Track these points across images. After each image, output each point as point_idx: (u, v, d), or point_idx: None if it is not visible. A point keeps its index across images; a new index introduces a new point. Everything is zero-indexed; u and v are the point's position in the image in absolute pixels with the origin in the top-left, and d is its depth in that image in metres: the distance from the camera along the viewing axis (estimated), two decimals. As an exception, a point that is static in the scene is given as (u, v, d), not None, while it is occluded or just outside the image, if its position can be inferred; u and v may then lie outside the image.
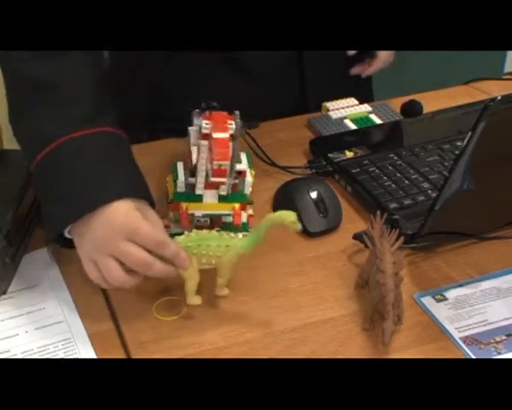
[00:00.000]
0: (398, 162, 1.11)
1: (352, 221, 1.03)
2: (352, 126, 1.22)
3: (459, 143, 1.13)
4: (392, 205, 1.03)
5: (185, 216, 0.94)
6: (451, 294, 0.92)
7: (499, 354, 0.85)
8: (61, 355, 0.85)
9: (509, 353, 0.85)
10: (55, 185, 0.87)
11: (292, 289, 0.93)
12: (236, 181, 0.97)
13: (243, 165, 0.99)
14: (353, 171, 1.10)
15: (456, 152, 1.08)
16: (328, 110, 1.25)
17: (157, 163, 1.08)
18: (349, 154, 1.14)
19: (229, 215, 0.96)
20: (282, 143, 1.19)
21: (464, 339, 0.86)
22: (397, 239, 0.89)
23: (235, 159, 0.94)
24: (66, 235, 0.88)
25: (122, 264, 0.84)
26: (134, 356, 0.84)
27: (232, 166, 0.93)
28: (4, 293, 0.92)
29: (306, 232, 1.00)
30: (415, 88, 1.33)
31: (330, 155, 1.13)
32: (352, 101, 1.27)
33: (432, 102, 1.27)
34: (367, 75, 1.32)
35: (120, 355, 0.85)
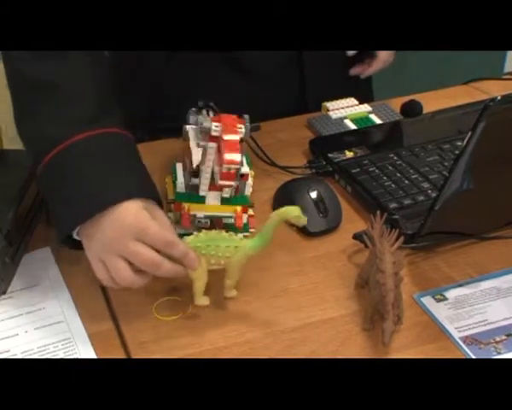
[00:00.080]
0: (398, 162, 1.11)
1: (352, 221, 1.04)
2: (352, 126, 1.22)
3: (459, 143, 1.13)
4: (392, 205, 1.03)
5: (187, 217, 0.94)
6: (451, 294, 0.92)
7: (499, 354, 0.85)
8: (60, 355, 0.85)
9: (508, 353, 0.85)
10: (63, 187, 0.87)
11: (292, 289, 0.93)
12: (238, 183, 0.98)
13: (246, 168, 0.98)
14: (353, 171, 1.10)
15: (456, 152, 1.08)
16: (328, 110, 1.25)
17: (157, 163, 1.08)
18: (349, 154, 1.14)
19: (230, 217, 0.96)
20: (282, 143, 1.19)
21: (464, 339, 0.86)
22: (397, 239, 0.89)
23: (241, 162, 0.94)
24: (75, 236, 0.88)
25: (131, 264, 0.84)
26: (134, 356, 0.84)
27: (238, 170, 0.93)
28: (4, 293, 0.92)
29: (306, 232, 1.00)
30: (415, 88, 1.33)
31: (330, 155, 1.13)
32: (352, 101, 1.27)
33: (432, 102, 1.27)
34: (367, 76, 1.32)
35: (120, 355, 0.85)
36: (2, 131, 1.04)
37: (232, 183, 0.92)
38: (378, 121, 1.23)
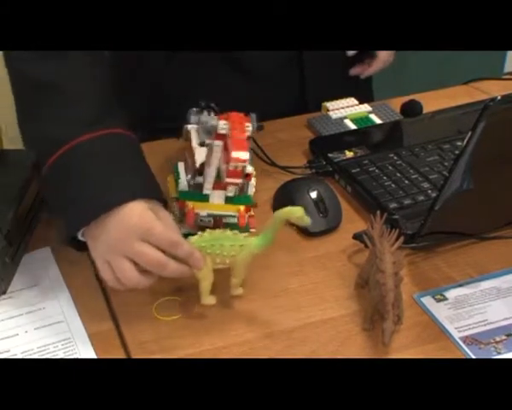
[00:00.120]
0: (398, 162, 1.11)
1: (352, 221, 1.04)
2: (352, 126, 1.22)
3: (459, 143, 1.13)
4: (392, 205, 1.03)
5: (191, 215, 0.94)
6: (451, 294, 0.92)
7: (499, 353, 0.85)
8: (60, 355, 0.85)
9: (508, 353, 0.85)
10: (68, 187, 0.87)
11: (292, 289, 0.93)
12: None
13: (249, 167, 0.98)
14: (353, 171, 1.10)
15: (456, 152, 1.08)
16: (328, 110, 1.25)
17: (157, 163, 1.07)
18: (349, 154, 1.14)
19: (233, 217, 0.96)
20: (282, 143, 1.19)
21: (464, 339, 0.86)
22: (397, 239, 0.89)
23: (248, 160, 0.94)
24: (80, 237, 0.88)
25: (136, 265, 0.84)
26: (134, 356, 0.84)
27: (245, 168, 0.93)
28: (4, 293, 0.92)
29: (306, 232, 1.00)
30: (415, 88, 1.33)
31: (330, 154, 1.13)
32: (352, 101, 1.27)
33: (432, 102, 1.27)
34: (367, 76, 1.32)
35: (120, 355, 0.85)
36: (2, 131, 1.04)
37: (239, 180, 0.93)
38: (378, 121, 1.23)
